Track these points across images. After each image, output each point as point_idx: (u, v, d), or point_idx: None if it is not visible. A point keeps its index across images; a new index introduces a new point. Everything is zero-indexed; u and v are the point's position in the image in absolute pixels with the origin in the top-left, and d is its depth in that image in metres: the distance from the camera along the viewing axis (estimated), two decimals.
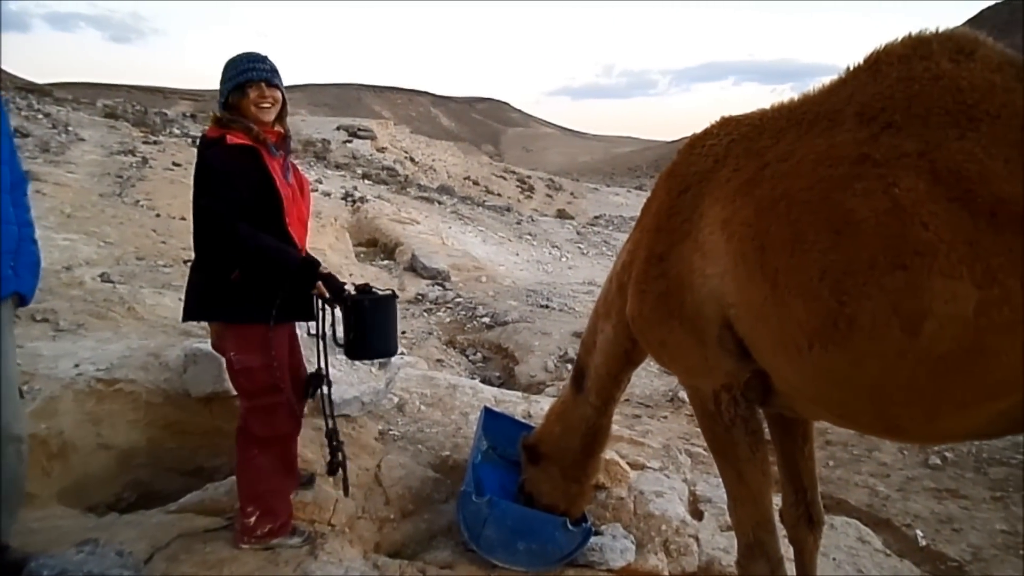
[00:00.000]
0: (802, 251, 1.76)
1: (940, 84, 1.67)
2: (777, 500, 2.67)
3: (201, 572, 2.49)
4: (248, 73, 2.53)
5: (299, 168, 2.94)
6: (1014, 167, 1.49)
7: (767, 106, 2.18)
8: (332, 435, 2.85)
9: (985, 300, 1.46)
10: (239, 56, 2.60)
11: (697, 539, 3.44)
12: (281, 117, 2.66)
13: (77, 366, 3.67)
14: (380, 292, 2.80)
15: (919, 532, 3.88)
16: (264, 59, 2.59)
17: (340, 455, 2.82)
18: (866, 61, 1.90)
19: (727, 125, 2.24)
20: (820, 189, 1.76)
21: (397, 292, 2.95)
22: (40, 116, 14.51)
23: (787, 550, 2.59)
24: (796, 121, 2.00)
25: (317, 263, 2.63)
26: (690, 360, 2.22)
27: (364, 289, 2.79)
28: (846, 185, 1.70)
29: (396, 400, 4.53)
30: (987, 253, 1.46)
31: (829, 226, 1.70)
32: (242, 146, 2.48)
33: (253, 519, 2.66)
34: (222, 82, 2.57)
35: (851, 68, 1.95)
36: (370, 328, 2.69)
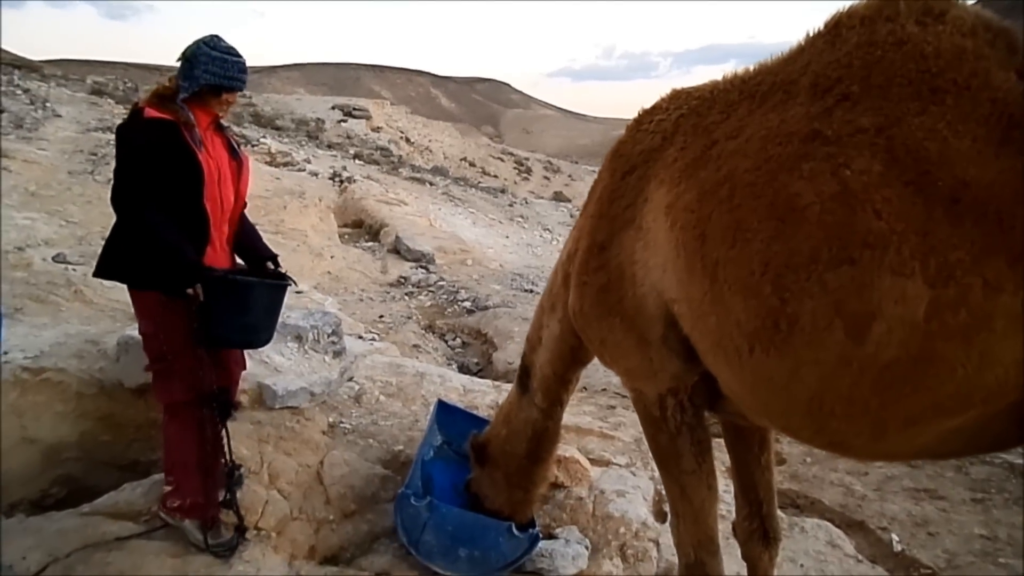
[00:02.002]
0: (744, 241, 1.54)
1: (903, 50, 1.44)
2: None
3: None
4: (234, 82, 2.56)
5: (240, 148, 2.85)
6: (982, 146, 1.26)
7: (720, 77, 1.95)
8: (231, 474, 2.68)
9: (938, 301, 1.24)
10: (228, 59, 2.53)
11: (657, 543, 3.26)
12: None
13: (5, 354, 3.44)
14: (272, 282, 2.62)
15: (894, 536, 3.69)
16: (246, 68, 2.62)
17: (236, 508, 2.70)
18: (826, 25, 1.67)
19: (677, 98, 2.00)
20: (766, 170, 1.54)
21: (293, 282, 2.69)
22: (19, 92, 14.11)
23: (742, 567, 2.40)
24: (749, 93, 1.77)
25: (203, 272, 2.45)
26: (632, 361, 2.01)
27: (272, 274, 2.64)
28: (793, 166, 1.48)
29: (356, 389, 4.32)
30: (943, 246, 1.24)
31: (772, 213, 1.48)
32: (160, 120, 2.45)
33: (168, 489, 2.66)
34: (202, 69, 2.50)
35: (810, 33, 1.71)
36: (217, 311, 2.44)
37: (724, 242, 1.57)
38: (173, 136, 2.44)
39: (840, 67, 1.52)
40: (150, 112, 2.46)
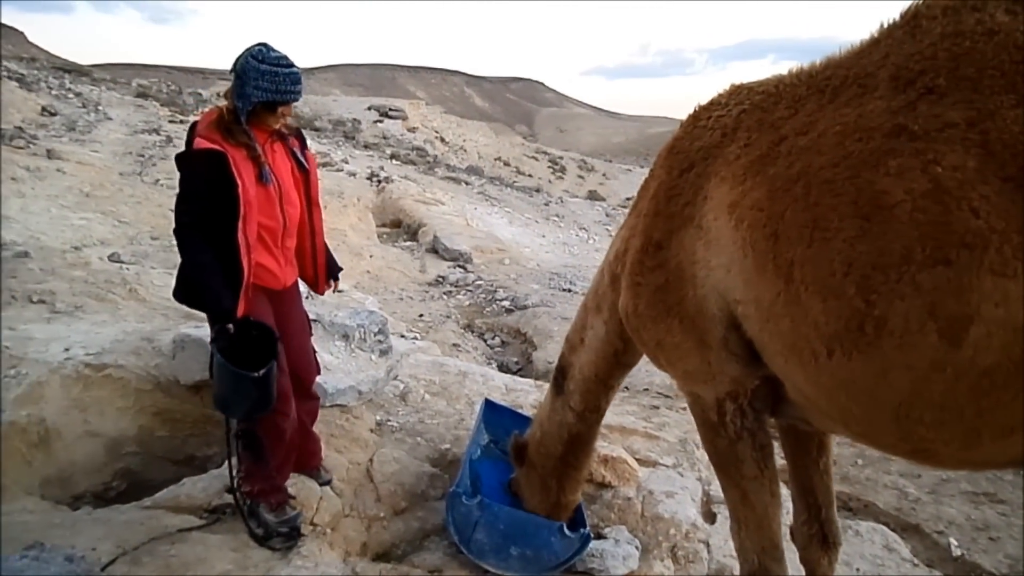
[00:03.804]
0: (823, 240, 1.49)
1: (995, 40, 1.38)
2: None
3: None
4: (287, 96, 2.49)
5: (305, 153, 2.83)
6: None
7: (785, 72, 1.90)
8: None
9: None
10: (279, 71, 2.45)
11: (708, 545, 3.22)
12: None
13: (67, 350, 3.55)
14: (235, 369, 2.40)
15: (952, 540, 3.58)
16: (300, 78, 2.53)
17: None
18: (903, 16, 1.61)
19: (738, 93, 1.96)
20: (846, 167, 1.49)
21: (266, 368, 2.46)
22: (71, 95, 14.60)
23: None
24: (819, 88, 1.72)
25: (228, 320, 2.43)
26: (690, 364, 1.96)
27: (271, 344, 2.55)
28: (877, 162, 1.43)
29: (401, 388, 4.35)
30: None
31: (856, 211, 1.43)
32: (209, 151, 2.42)
33: (242, 475, 2.72)
34: (252, 86, 2.43)
35: (886, 25, 1.66)
36: (215, 377, 2.45)
37: (800, 241, 1.53)
38: (221, 168, 2.39)
39: (923, 59, 1.46)
40: (200, 143, 2.42)
